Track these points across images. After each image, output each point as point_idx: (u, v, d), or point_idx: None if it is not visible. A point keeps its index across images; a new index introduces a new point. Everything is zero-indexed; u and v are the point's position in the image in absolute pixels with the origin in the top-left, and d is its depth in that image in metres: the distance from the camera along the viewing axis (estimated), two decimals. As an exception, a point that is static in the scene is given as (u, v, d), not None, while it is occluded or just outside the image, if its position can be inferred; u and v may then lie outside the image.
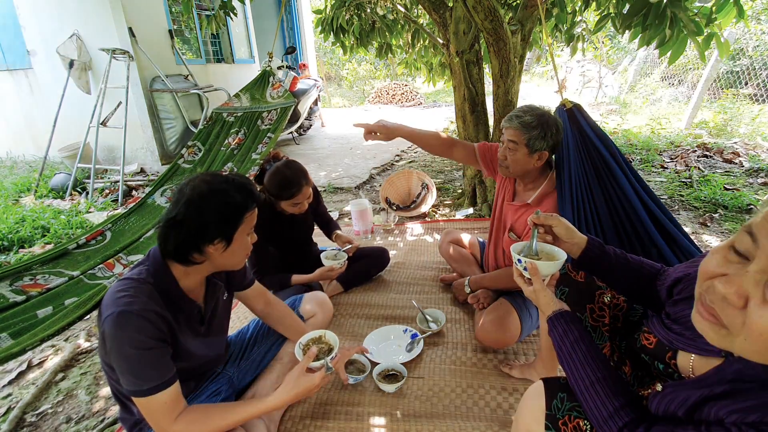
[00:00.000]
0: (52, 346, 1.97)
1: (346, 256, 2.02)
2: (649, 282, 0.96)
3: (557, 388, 0.81)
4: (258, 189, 1.26)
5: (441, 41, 3.31)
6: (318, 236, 2.31)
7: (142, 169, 4.97)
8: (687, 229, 2.82)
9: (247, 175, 2.03)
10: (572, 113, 1.69)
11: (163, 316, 0.99)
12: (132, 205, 2.04)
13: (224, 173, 1.11)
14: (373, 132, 1.79)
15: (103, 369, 1.10)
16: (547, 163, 1.65)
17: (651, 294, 0.96)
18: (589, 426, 0.75)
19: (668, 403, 0.69)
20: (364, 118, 9.03)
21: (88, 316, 2.12)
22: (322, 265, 1.98)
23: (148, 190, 3.24)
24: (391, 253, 2.45)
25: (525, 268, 0.95)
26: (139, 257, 1.59)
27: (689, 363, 0.74)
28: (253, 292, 1.36)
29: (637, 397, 0.75)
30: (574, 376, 0.78)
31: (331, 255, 2.02)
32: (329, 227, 2.28)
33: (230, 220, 1.03)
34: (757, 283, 0.50)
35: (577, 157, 1.62)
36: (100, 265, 1.51)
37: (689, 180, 3.77)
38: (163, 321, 0.99)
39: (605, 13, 2.75)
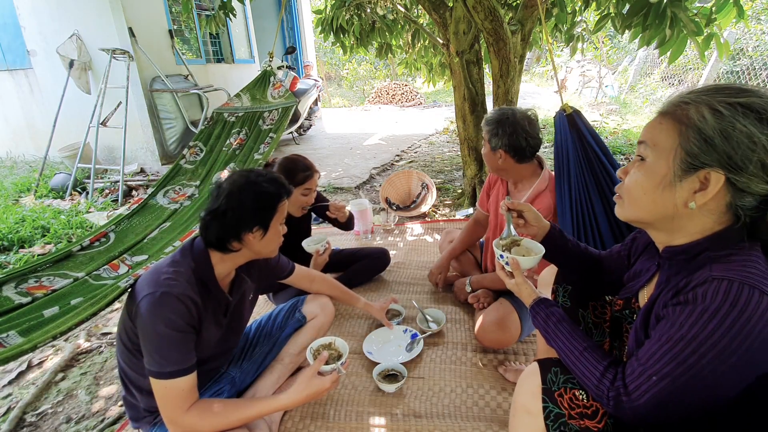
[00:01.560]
0: (52, 346, 1.98)
1: (326, 238, 2.02)
2: (594, 265, 1.10)
3: (551, 364, 0.85)
4: None
5: (441, 41, 3.31)
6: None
7: (142, 169, 4.97)
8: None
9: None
10: (572, 118, 1.70)
11: (196, 303, 1.05)
12: (135, 206, 2.04)
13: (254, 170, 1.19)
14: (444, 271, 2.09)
15: (118, 352, 1.14)
16: (538, 162, 1.67)
17: (597, 277, 1.09)
18: (585, 394, 0.79)
19: (634, 333, 0.79)
20: (364, 119, 9.05)
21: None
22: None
23: (149, 190, 3.23)
24: (391, 253, 2.45)
25: (507, 263, 1.01)
26: (144, 258, 1.59)
27: (645, 296, 0.86)
28: (296, 278, 1.54)
29: (620, 360, 0.81)
30: (564, 351, 0.84)
31: (312, 241, 2.01)
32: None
33: (266, 208, 1.12)
34: (634, 161, 0.78)
35: (577, 163, 1.63)
36: (105, 266, 1.51)
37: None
38: (196, 308, 1.05)
39: (605, 13, 2.75)
